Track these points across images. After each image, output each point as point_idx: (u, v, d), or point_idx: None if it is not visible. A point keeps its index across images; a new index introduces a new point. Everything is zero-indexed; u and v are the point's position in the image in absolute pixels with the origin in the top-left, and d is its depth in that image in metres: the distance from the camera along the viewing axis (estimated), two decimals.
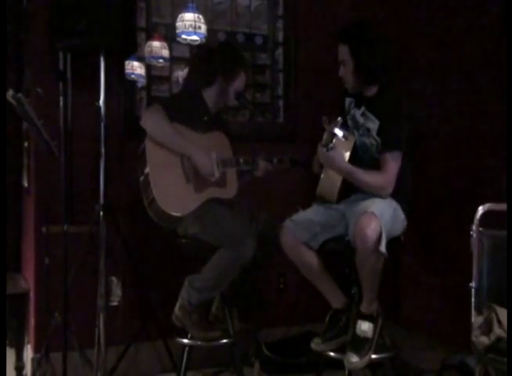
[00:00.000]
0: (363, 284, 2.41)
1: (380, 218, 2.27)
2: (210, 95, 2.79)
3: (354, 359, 2.35)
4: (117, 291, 3.09)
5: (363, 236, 2.25)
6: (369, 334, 2.40)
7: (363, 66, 2.53)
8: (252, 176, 2.81)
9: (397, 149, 2.48)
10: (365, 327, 2.40)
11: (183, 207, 2.58)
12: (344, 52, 2.55)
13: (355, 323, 2.44)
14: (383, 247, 2.25)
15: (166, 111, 2.59)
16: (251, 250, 2.52)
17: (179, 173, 2.63)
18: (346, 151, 2.51)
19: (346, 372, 2.44)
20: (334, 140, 2.36)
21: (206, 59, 2.82)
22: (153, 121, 2.60)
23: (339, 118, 2.38)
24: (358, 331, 2.41)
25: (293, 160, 2.88)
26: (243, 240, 2.52)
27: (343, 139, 2.41)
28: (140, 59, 3.07)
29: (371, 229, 2.24)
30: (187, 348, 2.70)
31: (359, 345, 2.38)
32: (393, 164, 2.47)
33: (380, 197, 2.45)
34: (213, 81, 2.77)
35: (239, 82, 2.79)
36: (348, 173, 2.46)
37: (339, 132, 2.36)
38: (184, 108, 2.68)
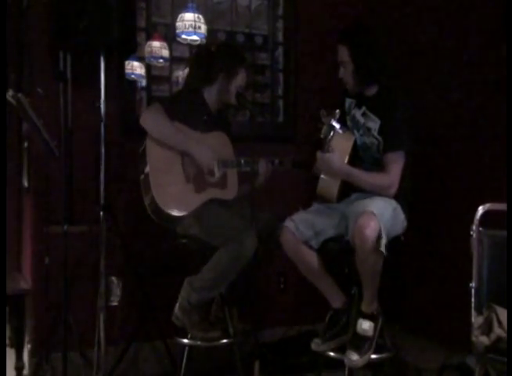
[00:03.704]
0: (363, 284, 2.41)
1: (380, 217, 2.27)
2: (211, 94, 2.79)
3: (354, 357, 2.35)
4: (117, 291, 3.09)
5: (362, 235, 2.25)
6: (370, 333, 2.40)
7: (363, 67, 2.53)
8: (253, 186, 2.78)
9: (400, 149, 2.48)
10: (365, 325, 2.41)
11: (183, 207, 2.58)
12: (343, 53, 2.55)
13: (355, 322, 2.44)
14: (383, 247, 2.25)
15: (166, 110, 2.59)
16: (251, 248, 2.51)
17: (179, 173, 2.63)
18: (345, 152, 2.52)
19: (346, 372, 2.44)
20: (332, 133, 2.37)
21: (206, 58, 2.82)
22: (152, 119, 2.60)
23: (337, 111, 2.39)
24: (358, 330, 2.41)
25: (294, 162, 2.87)
26: (243, 238, 2.51)
27: (340, 131, 2.41)
28: (140, 59, 3.07)
29: (370, 228, 2.24)
30: (187, 348, 2.70)
31: (360, 343, 2.38)
32: (396, 164, 2.47)
33: (386, 196, 2.45)
34: (214, 80, 2.77)
35: (240, 80, 2.79)
36: (349, 175, 2.46)
37: (336, 124, 2.37)
38: (184, 107, 2.68)
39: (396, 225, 2.47)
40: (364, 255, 2.29)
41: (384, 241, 2.26)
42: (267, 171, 2.78)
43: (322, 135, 2.39)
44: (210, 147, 2.66)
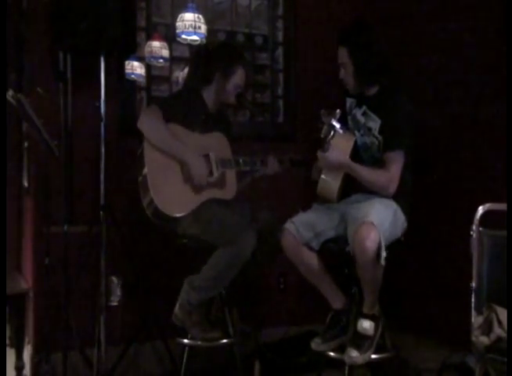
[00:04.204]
0: (364, 290, 2.42)
1: (380, 227, 2.27)
2: (209, 93, 2.79)
3: (354, 354, 2.35)
4: (117, 291, 3.09)
5: (363, 248, 2.25)
6: (370, 332, 2.40)
7: (363, 68, 2.53)
8: (252, 177, 2.80)
9: (400, 148, 2.49)
10: (366, 325, 2.41)
11: (181, 207, 2.58)
12: (343, 54, 2.55)
13: (355, 321, 2.44)
14: (382, 260, 2.25)
15: (163, 111, 2.59)
16: (250, 246, 2.51)
17: (178, 174, 2.62)
18: (346, 151, 2.52)
19: (346, 372, 2.44)
20: (332, 132, 2.38)
21: (204, 58, 2.82)
22: (149, 124, 2.59)
23: (337, 110, 2.39)
24: (359, 328, 2.41)
25: (293, 160, 2.87)
26: (242, 236, 2.50)
27: (341, 131, 2.41)
28: (140, 59, 3.07)
29: (370, 240, 2.24)
30: (187, 348, 2.70)
31: (360, 341, 2.38)
32: (396, 163, 2.47)
33: (386, 196, 2.45)
34: (211, 79, 2.76)
35: (237, 78, 2.78)
36: (350, 168, 2.46)
37: (337, 124, 2.38)
38: (182, 107, 2.68)
39: (396, 228, 2.48)
40: (364, 266, 2.30)
41: (383, 254, 2.26)
42: (274, 166, 2.77)
43: (322, 135, 2.39)
44: (208, 148, 2.66)
